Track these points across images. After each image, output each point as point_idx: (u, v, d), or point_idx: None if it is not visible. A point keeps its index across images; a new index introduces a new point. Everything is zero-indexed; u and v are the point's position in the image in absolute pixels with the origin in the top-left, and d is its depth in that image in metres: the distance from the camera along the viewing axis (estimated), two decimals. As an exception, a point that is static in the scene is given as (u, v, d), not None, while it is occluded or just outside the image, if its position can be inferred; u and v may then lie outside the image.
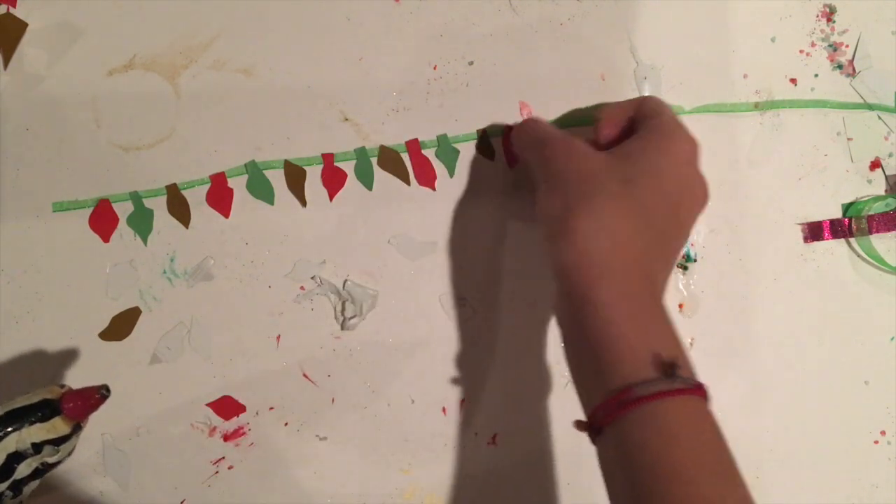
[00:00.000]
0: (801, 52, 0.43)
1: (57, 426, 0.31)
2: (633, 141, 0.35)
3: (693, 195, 0.35)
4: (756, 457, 0.42)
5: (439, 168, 0.42)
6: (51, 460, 0.31)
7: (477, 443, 0.42)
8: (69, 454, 0.32)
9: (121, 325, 0.40)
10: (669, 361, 0.29)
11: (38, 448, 0.30)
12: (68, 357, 0.40)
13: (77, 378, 0.40)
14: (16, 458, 0.30)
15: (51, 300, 0.40)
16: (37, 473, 0.31)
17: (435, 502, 0.42)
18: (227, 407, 0.40)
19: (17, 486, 0.31)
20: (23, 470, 0.31)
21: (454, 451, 0.42)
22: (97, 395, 0.31)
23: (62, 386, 0.32)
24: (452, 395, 0.42)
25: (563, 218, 0.32)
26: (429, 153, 0.42)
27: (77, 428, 0.31)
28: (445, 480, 0.42)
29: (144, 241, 0.40)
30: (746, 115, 0.43)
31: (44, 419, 0.30)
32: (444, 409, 0.42)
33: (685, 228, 0.35)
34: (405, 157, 0.42)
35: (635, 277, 0.31)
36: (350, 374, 0.41)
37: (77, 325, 0.40)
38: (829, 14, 0.44)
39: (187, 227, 0.41)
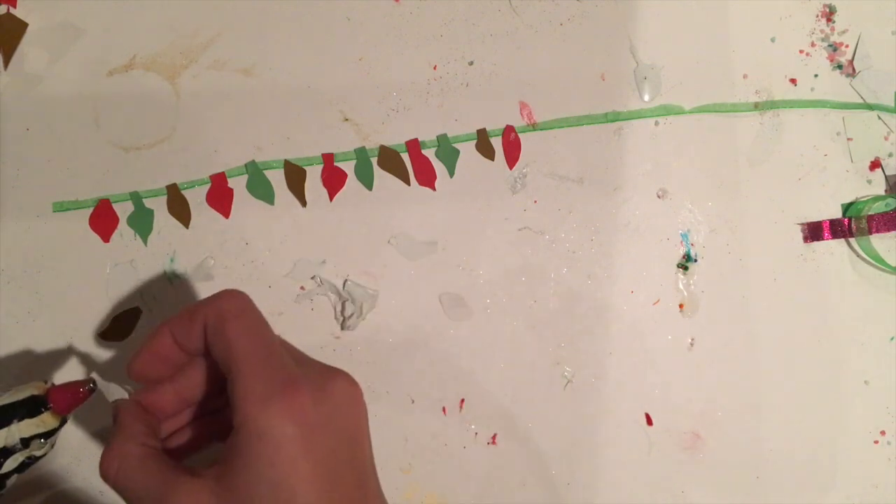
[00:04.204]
0: (801, 52, 0.43)
1: (46, 421, 0.31)
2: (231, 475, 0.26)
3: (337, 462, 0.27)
4: (756, 457, 0.42)
5: (439, 168, 0.42)
6: (38, 453, 0.32)
7: (477, 443, 0.42)
8: (52, 447, 0.32)
9: (121, 325, 0.40)
10: None
11: (25, 443, 0.31)
12: (68, 357, 0.40)
13: (76, 379, 0.40)
14: (3, 453, 0.31)
15: (51, 300, 0.40)
16: (22, 467, 0.32)
17: (435, 502, 0.42)
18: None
19: (1, 481, 0.32)
20: (9, 465, 0.31)
21: (454, 451, 0.42)
22: (85, 388, 0.32)
23: (45, 381, 0.32)
24: (452, 395, 0.42)
25: None
26: (429, 153, 0.42)
27: (63, 421, 0.32)
28: (445, 480, 0.42)
29: (144, 241, 0.40)
30: (746, 115, 0.43)
31: (32, 415, 0.31)
32: (444, 409, 0.42)
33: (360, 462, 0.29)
34: (405, 157, 0.42)
35: None
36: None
37: (77, 325, 0.40)
38: (829, 14, 0.44)
39: (187, 227, 0.41)
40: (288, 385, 0.26)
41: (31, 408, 0.31)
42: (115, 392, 0.31)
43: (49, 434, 0.31)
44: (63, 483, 0.40)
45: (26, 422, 0.31)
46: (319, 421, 0.26)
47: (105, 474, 0.28)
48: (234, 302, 0.28)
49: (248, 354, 0.27)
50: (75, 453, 0.40)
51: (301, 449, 0.26)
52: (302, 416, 0.26)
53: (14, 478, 0.32)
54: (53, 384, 0.32)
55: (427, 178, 0.42)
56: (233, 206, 0.41)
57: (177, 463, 0.28)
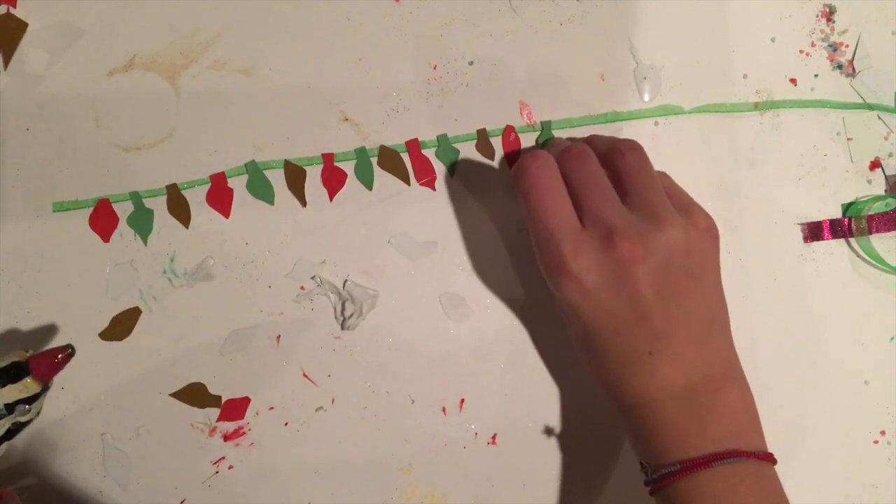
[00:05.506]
0: (801, 52, 0.43)
1: (28, 386, 0.33)
2: None
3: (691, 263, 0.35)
4: (756, 457, 0.42)
5: (439, 168, 0.42)
6: (22, 419, 0.33)
7: (477, 443, 0.42)
8: (38, 414, 0.34)
9: (121, 325, 0.40)
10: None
11: (10, 408, 0.33)
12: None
13: (77, 379, 0.40)
14: None
15: (51, 300, 0.40)
16: (8, 434, 0.33)
17: (435, 502, 0.42)
18: (228, 407, 0.40)
19: None
20: None
21: (454, 451, 0.42)
22: (64, 354, 0.33)
23: (26, 350, 0.34)
24: (452, 395, 0.42)
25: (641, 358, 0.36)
26: (429, 153, 0.42)
27: (45, 387, 0.34)
28: (445, 480, 0.42)
29: (144, 241, 0.40)
30: (746, 115, 0.43)
31: (14, 381, 0.33)
32: (444, 409, 0.42)
33: (710, 291, 0.37)
34: (405, 157, 0.42)
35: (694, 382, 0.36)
36: (350, 374, 0.41)
37: (77, 325, 0.40)
38: (829, 14, 0.44)
39: (187, 227, 0.41)
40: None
41: (12, 374, 0.33)
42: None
43: (32, 399, 0.33)
44: (62, 482, 0.40)
45: (9, 387, 0.32)
46: None
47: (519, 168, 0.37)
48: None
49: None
50: (74, 453, 0.40)
51: None
52: None
53: (4, 446, 0.33)
54: (33, 353, 0.33)
55: (427, 178, 0.42)
56: (233, 206, 0.41)
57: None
